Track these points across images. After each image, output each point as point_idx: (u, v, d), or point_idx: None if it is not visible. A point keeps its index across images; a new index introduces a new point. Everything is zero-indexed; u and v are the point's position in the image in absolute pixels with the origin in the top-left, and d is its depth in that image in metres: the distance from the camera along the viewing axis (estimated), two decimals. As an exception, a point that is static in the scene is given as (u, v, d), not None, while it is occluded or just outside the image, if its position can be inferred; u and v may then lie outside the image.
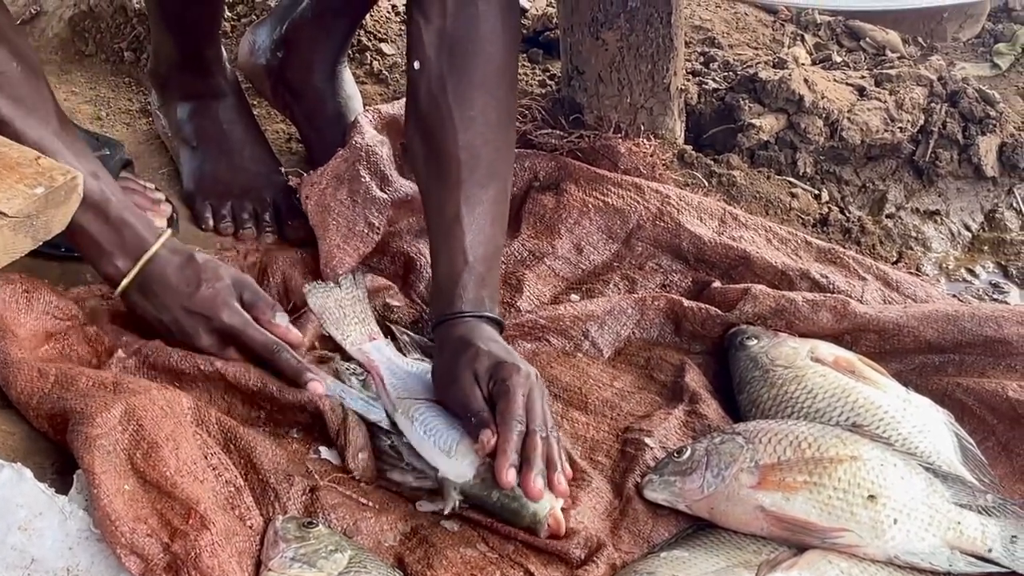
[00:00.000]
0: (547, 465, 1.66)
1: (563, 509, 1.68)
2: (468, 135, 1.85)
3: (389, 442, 1.76)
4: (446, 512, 1.69)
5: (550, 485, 1.66)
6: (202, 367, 1.79)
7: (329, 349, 1.94)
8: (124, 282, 1.79)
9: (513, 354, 1.79)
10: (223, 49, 2.32)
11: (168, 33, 2.25)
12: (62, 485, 1.58)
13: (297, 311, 1.97)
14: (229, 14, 2.75)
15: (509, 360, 1.74)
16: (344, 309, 1.97)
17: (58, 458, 1.64)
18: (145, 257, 1.78)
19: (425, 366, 1.88)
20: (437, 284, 1.87)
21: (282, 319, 1.86)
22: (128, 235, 1.78)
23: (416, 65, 1.86)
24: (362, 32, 2.72)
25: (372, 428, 1.78)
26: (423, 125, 1.88)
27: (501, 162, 1.92)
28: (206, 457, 1.62)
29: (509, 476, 1.63)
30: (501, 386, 1.70)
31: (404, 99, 2.33)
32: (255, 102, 2.43)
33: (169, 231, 1.83)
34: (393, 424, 1.79)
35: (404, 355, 1.92)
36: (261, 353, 1.81)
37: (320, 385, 1.78)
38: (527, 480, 1.63)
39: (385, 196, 2.13)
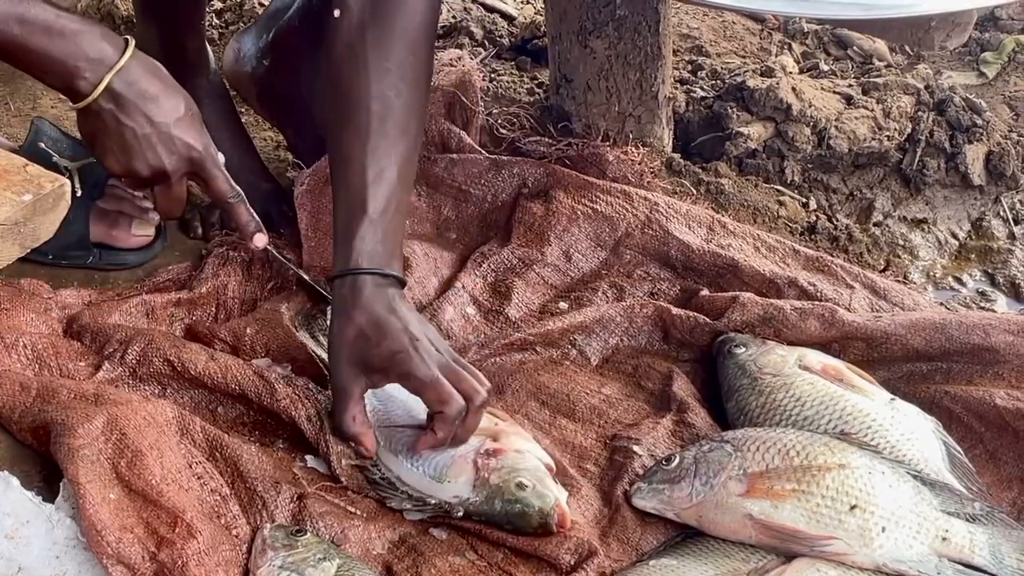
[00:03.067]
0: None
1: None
2: (382, 85, 1.79)
3: (379, 474, 1.75)
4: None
5: None
6: (191, 369, 1.78)
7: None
8: (101, 86, 1.68)
9: (409, 324, 1.72)
10: (208, 48, 2.31)
11: (150, 22, 2.22)
12: (49, 493, 1.58)
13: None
14: (216, 21, 2.75)
15: (406, 344, 1.69)
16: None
17: (44, 466, 1.64)
18: (120, 63, 1.69)
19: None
20: (336, 235, 1.80)
21: (221, 158, 1.84)
22: (91, 46, 1.68)
23: (336, 13, 1.81)
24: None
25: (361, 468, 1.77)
26: (337, 72, 1.82)
27: (414, 122, 1.86)
28: (191, 466, 1.62)
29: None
30: (415, 382, 1.70)
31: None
32: (242, 109, 2.43)
33: (132, 43, 1.73)
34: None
35: None
36: (221, 194, 1.79)
37: (264, 238, 1.77)
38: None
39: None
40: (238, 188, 1.80)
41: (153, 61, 1.76)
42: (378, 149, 1.77)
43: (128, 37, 1.73)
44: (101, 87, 1.67)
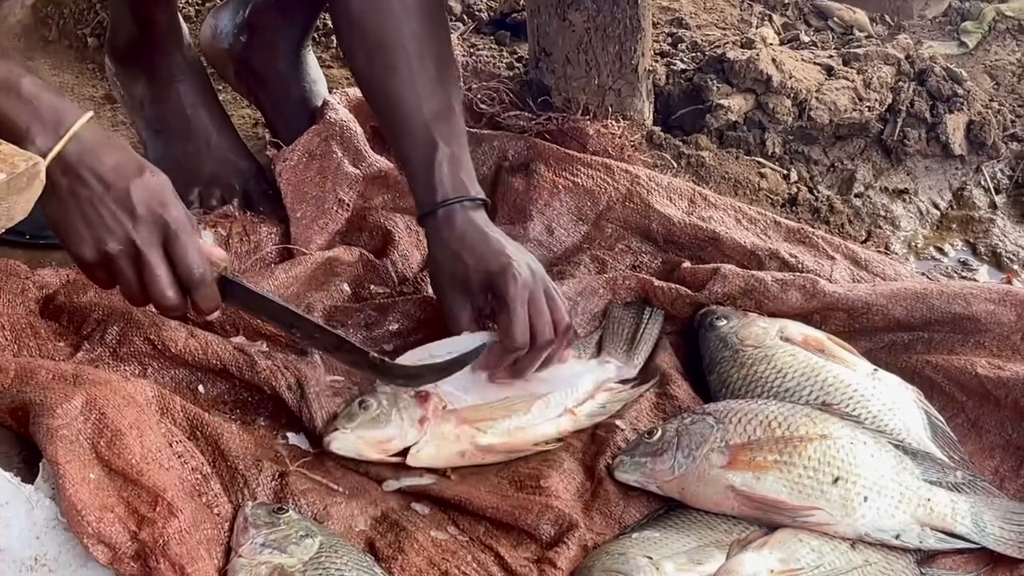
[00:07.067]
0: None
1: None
2: (413, 25, 1.84)
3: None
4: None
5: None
6: (172, 347, 1.77)
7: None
8: (48, 158, 1.54)
9: (505, 247, 1.80)
10: (181, 22, 2.28)
11: None
12: (28, 474, 1.57)
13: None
14: (193, -3, 2.73)
15: (502, 266, 1.76)
16: None
17: (24, 447, 1.63)
18: (76, 126, 1.56)
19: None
20: (412, 175, 1.86)
21: (207, 236, 1.71)
22: (46, 110, 1.56)
23: None
24: (326, 15, 2.70)
25: None
26: (362, 25, 1.86)
27: (447, 50, 1.91)
28: (171, 445, 1.61)
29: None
30: (499, 304, 1.75)
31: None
32: (220, 87, 2.41)
33: (91, 112, 1.60)
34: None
35: None
36: (186, 269, 1.61)
37: (217, 314, 1.67)
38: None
39: (357, 171, 2.12)
40: (207, 266, 1.62)
41: (112, 135, 1.65)
42: (427, 86, 1.84)
43: (88, 111, 1.61)
44: (52, 154, 1.55)
